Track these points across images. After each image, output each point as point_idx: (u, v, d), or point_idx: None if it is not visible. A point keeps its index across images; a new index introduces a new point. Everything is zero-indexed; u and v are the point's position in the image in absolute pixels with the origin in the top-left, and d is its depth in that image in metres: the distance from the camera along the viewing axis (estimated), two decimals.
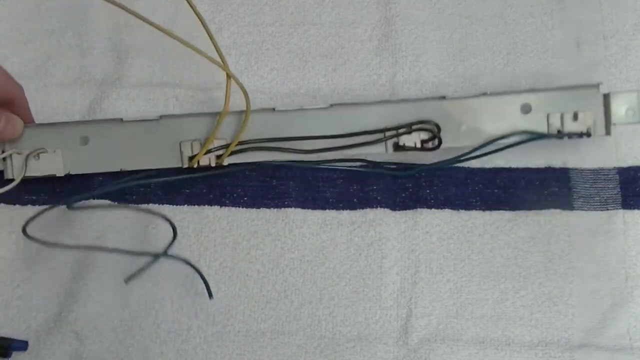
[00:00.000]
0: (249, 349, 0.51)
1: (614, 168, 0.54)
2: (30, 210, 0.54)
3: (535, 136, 0.51)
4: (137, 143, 0.51)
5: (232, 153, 0.51)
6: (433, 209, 0.53)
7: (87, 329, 0.51)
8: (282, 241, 0.53)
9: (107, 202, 0.53)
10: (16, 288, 0.52)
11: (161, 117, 0.52)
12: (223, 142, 0.51)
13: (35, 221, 0.54)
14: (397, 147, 0.51)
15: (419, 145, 0.51)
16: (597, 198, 0.53)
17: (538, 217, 0.53)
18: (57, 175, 0.51)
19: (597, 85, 0.51)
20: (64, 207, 0.53)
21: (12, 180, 0.51)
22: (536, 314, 0.52)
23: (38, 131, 0.51)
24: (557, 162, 0.54)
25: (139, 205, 0.54)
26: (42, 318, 0.51)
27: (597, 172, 0.54)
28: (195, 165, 0.51)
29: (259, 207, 0.54)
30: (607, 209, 0.53)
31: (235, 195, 0.54)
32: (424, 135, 0.51)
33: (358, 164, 0.53)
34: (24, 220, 0.53)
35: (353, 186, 0.54)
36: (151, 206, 0.53)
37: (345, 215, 0.54)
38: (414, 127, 0.51)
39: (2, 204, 0.54)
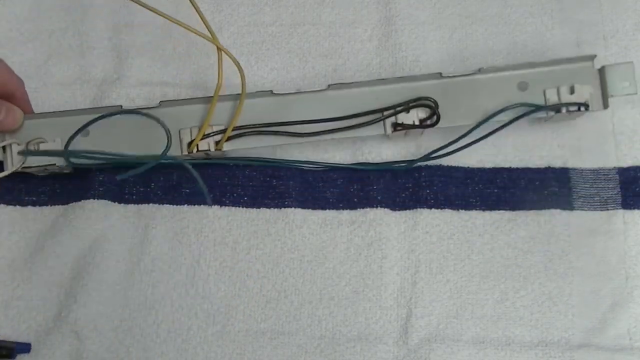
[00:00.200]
0: (249, 348, 0.51)
1: (614, 168, 0.54)
2: (30, 211, 0.54)
3: (533, 108, 0.51)
4: (137, 132, 0.51)
5: (232, 138, 0.51)
6: (433, 209, 0.53)
7: (87, 329, 0.50)
8: (282, 241, 0.53)
9: (107, 202, 0.53)
10: (16, 288, 0.52)
11: (161, 102, 0.51)
12: (222, 128, 0.51)
13: (36, 221, 0.54)
14: (396, 126, 0.51)
15: (417, 123, 0.51)
16: (597, 198, 0.53)
17: (538, 217, 0.53)
18: (57, 164, 0.51)
19: (591, 57, 0.51)
20: (63, 207, 0.53)
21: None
22: (536, 314, 0.52)
23: (38, 122, 0.51)
24: (557, 162, 0.54)
25: (139, 205, 0.54)
26: (42, 318, 0.51)
27: (597, 172, 0.54)
28: (195, 151, 0.51)
29: (259, 207, 0.54)
30: (607, 209, 0.53)
31: (235, 195, 0.54)
32: (422, 114, 0.51)
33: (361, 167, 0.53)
34: (24, 220, 0.54)
35: (353, 186, 0.54)
36: (151, 206, 0.53)
37: (345, 215, 0.54)
38: (412, 104, 0.51)
39: (2, 205, 0.54)
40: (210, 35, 0.47)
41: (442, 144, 0.52)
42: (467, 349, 0.51)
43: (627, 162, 0.54)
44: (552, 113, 0.51)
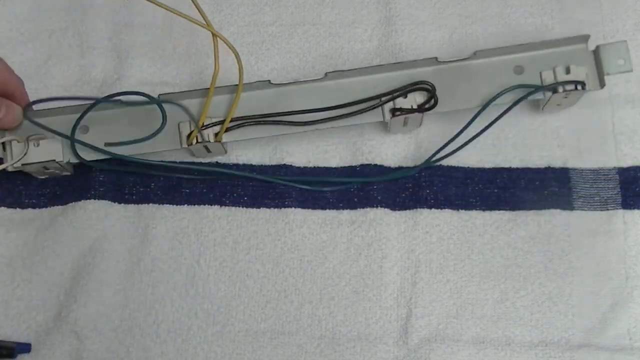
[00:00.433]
0: (249, 348, 0.51)
1: (614, 168, 0.54)
2: (30, 213, 0.54)
3: (531, 90, 0.51)
4: (136, 128, 0.51)
5: (231, 129, 0.51)
6: (433, 209, 0.53)
7: (87, 329, 0.51)
8: (282, 241, 0.53)
9: (107, 202, 0.53)
10: (16, 288, 0.52)
11: (160, 95, 0.51)
12: (221, 119, 0.51)
13: (35, 221, 0.54)
14: (394, 112, 0.51)
15: (415, 107, 0.51)
16: (597, 198, 0.53)
17: (538, 217, 0.53)
18: (57, 160, 0.51)
19: (585, 38, 0.51)
20: (63, 207, 0.53)
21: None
22: (536, 314, 0.52)
23: (38, 119, 0.51)
24: (557, 162, 0.54)
25: (139, 205, 0.54)
26: (42, 318, 0.51)
27: (597, 172, 0.54)
28: (194, 142, 0.51)
29: (259, 207, 0.54)
30: (607, 209, 0.53)
31: (235, 195, 0.54)
32: (420, 98, 0.51)
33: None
34: (24, 222, 0.54)
35: (353, 186, 0.54)
36: (151, 206, 0.53)
37: (345, 215, 0.54)
38: (410, 88, 0.51)
39: (3, 207, 0.54)
40: (204, 22, 0.47)
41: (442, 139, 0.52)
42: (467, 349, 0.51)
43: (627, 162, 0.54)
44: (549, 94, 0.51)
